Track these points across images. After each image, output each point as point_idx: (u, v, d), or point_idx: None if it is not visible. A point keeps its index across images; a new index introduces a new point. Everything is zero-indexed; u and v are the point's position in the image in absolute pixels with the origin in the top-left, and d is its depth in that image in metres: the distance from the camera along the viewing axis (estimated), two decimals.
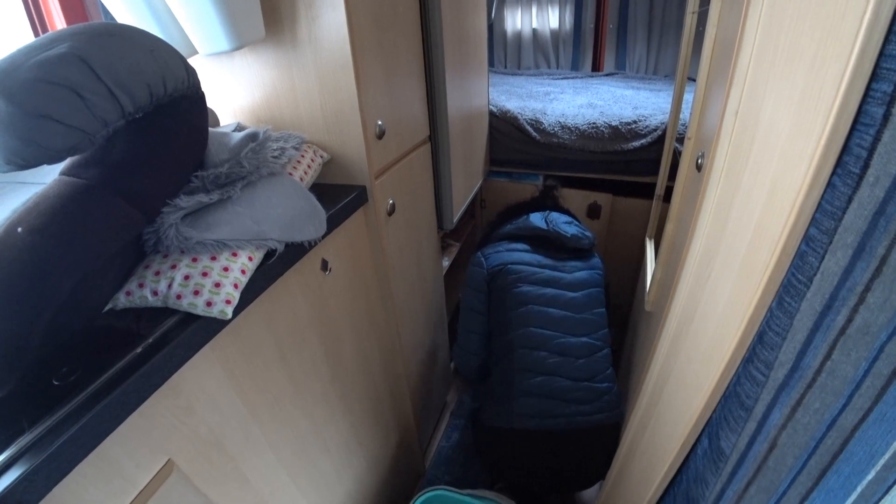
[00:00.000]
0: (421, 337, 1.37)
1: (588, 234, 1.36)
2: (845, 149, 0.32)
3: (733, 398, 0.44)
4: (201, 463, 0.63)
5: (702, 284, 0.56)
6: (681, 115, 1.45)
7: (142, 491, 0.55)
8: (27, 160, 0.44)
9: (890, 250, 0.32)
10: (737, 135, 0.51)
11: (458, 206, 1.43)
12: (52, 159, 0.46)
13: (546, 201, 1.58)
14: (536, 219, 1.37)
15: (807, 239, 0.36)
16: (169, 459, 0.58)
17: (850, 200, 0.32)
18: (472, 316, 1.30)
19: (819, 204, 0.34)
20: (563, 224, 1.35)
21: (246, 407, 0.69)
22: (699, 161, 0.84)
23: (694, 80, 1.84)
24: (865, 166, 0.31)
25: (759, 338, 0.40)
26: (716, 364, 0.47)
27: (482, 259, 1.31)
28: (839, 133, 0.32)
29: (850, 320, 0.35)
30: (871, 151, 0.30)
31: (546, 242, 1.34)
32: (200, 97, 0.65)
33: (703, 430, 0.51)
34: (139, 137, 0.55)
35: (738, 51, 0.52)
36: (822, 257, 0.34)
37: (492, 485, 1.44)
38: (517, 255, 1.29)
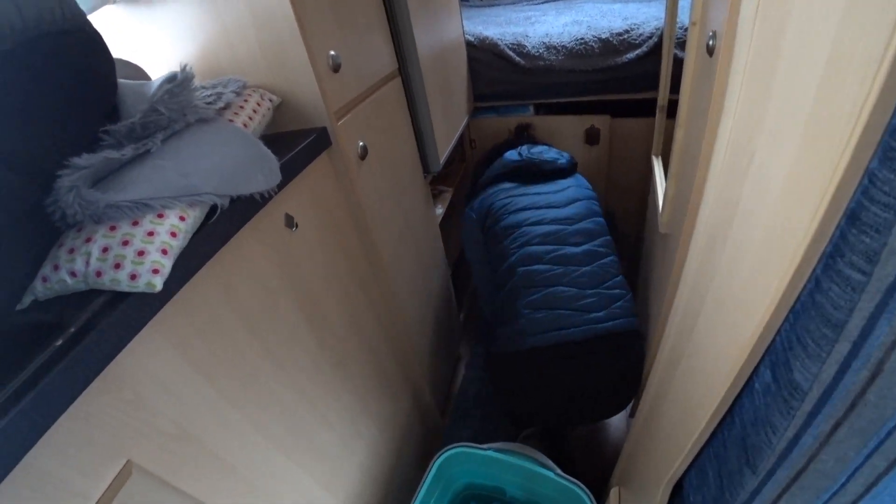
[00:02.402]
0: (418, 291, 1.27)
1: (565, 154, 1.38)
2: None
3: (811, 312, 0.32)
4: (169, 458, 0.55)
5: (739, 177, 0.44)
6: (678, 19, 1.30)
7: (97, 501, 0.47)
8: None
9: None
10: None
11: (444, 146, 1.31)
12: None
13: (521, 141, 1.57)
14: (510, 155, 1.39)
15: None
16: (128, 461, 0.50)
17: None
18: (481, 268, 1.29)
19: None
20: (536, 152, 1.37)
21: (215, 390, 0.61)
22: (710, 44, 0.71)
23: None
24: None
25: (852, 218, 0.27)
26: (776, 270, 0.35)
27: (471, 213, 1.33)
28: None
29: None
30: None
31: (525, 174, 1.35)
32: (90, 35, 0.53)
33: (761, 359, 0.40)
34: (2, 82, 0.43)
35: None
36: None
37: (515, 436, 1.38)
38: (500, 193, 1.29)
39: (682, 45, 1.36)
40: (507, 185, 1.31)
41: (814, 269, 0.32)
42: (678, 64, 1.31)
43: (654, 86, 1.52)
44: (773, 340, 0.39)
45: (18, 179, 0.44)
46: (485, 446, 1.12)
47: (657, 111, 1.33)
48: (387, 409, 1.12)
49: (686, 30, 1.38)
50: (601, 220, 1.21)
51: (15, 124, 0.44)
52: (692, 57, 0.84)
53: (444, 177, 1.62)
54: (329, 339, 0.86)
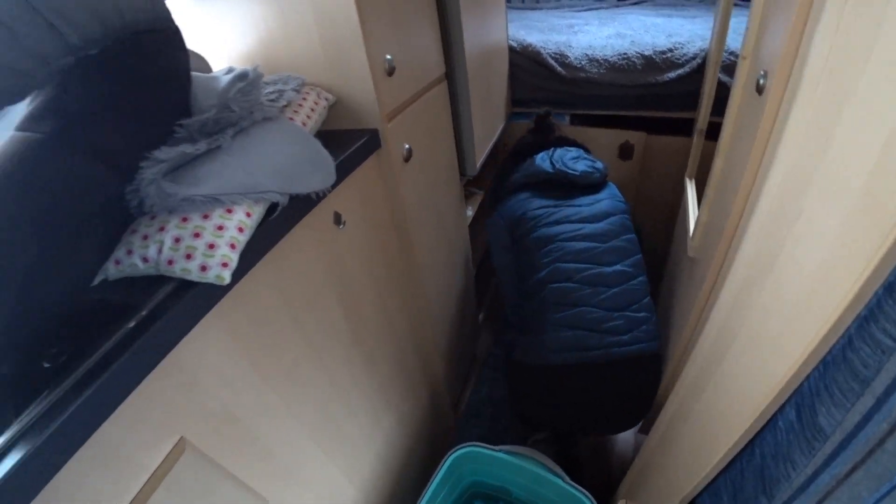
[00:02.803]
0: (445, 290, 1.30)
1: (598, 165, 1.31)
2: None
3: (841, 365, 0.35)
4: (216, 438, 0.58)
5: (787, 224, 0.46)
6: (726, 43, 1.29)
7: (154, 473, 0.51)
8: None
9: None
10: (848, 21, 0.39)
11: (481, 150, 1.33)
12: None
13: (546, 135, 1.50)
14: (542, 161, 1.31)
15: None
16: (181, 438, 0.54)
17: None
18: (507, 273, 1.29)
19: None
20: (570, 161, 1.30)
21: (259, 376, 0.64)
22: (760, 82, 0.72)
23: (739, 4, 1.65)
24: None
25: (890, 290, 0.30)
26: (813, 322, 0.37)
27: (499, 218, 1.29)
28: None
29: None
30: None
31: (556, 184, 1.28)
32: (173, 32, 0.56)
33: (787, 399, 0.43)
34: (98, 80, 0.46)
35: None
36: None
37: (525, 439, 1.40)
38: (531, 202, 1.25)
39: (726, 69, 1.36)
40: (539, 193, 1.27)
41: (848, 328, 0.35)
42: (720, 87, 1.31)
43: (693, 106, 1.52)
44: (801, 384, 0.42)
45: (105, 170, 0.47)
46: (496, 448, 1.15)
47: (695, 135, 1.34)
48: (406, 404, 1.16)
49: (732, 54, 1.38)
50: (633, 236, 1.20)
51: (108, 118, 0.47)
52: (738, 91, 0.84)
53: (476, 179, 1.64)
54: (362, 332, 0.89)
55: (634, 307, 1.10)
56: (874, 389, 0.31)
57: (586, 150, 1.42)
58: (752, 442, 0.49)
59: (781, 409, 0.44)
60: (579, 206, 1.22)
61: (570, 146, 1.41)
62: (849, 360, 0.34)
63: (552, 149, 1.36)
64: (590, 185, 1.28)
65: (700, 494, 0.63)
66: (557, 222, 1.19)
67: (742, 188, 0.72)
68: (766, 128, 0.65)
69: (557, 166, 1.28)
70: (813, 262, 0.40)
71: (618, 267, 1.13)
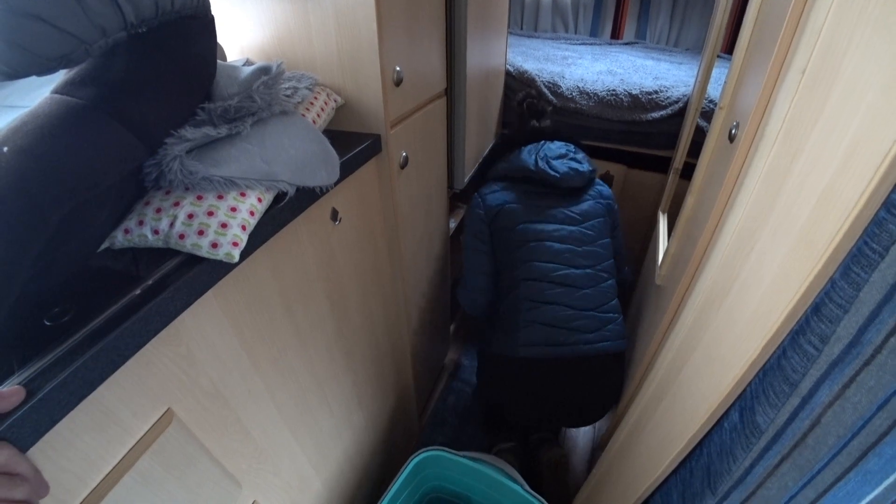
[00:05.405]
0: (425, 296, 1.34)
1: (583, 168, 1.26)
2: None
3: (776, 372, 0.41)
4: (201, 413, 0.60)
5: (743, 256, 0.53)
6: (707, 91, 1.39)
7: (140, 440, 0.52)
8: (13, 67, 0.39)
9: None
10: (802, 95, 0.46)
11: (470, 166, 1.39)
12: (42, 68, 0.40)
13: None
14: (528, 155, 1.28)
15: (888, 205, 0.33)
16: (168, 409, 0.55)
17: None
18: (475, 256, 1.29)
19: None
20: (554, 161, 1.25)
21: (249, 358, 0.67)
22: (732, 132, 0.80)
23: (722, 56, 1.75)
24: None
25: (816, 310, 0.37)
26: (758, 337, 0.44)
27: (480, 201, 1.28)
28: None
29: None
30: None
31: (536, 182, 1.26)
32: (210, 20, 0.59)
33: (732, 404, 0.49)
34: (141, 56, 0.50)
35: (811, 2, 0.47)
36: None
37: (489, 448, 1.44)
38: (511, 194, 1.25)
39: (705, 115, 1.46)
40: (520, 187, 1.26)
41: (783, 341, 0.43)
42: (697, 131, 1.41)
43: (671, 145, 1.62)
44: (745, 390, 0.49)
45: (137, 142, 0.50)
46: (461, 453, 1.18)
47: (671, 173, 1.42)
48: (376, 404, 1.18)
49: (711, 102, 1.48)
50: (608, 241, 1.24)
51: (147, 95, 0.50)
52: (714, 137, 0.92)
53: (461, 193, 1.69)
54: (345, 329, 0.92)
55: (603, 308, 1.18)
56: (800, 391, 0.38)
57: (577, 147, 1.36)
58: (700, 443, 0.55)
59: (727, 412, 0.50)
60: (560, 207, 1.23)
61: (563, 140, 1.36)
62: (782, 367, 0.40)
63: (543, 142, 1.32)
64: (571, 188, 1.25)
65: (652, 495, 0.68)
66: (538, 221, 1.21)
67: (709, 223, 0.79)
68: (735, 172, 0.73)
69: (540, 164, 1.24)
70: (760, 288, 0.46)
71: (589, 270, 1.19)
